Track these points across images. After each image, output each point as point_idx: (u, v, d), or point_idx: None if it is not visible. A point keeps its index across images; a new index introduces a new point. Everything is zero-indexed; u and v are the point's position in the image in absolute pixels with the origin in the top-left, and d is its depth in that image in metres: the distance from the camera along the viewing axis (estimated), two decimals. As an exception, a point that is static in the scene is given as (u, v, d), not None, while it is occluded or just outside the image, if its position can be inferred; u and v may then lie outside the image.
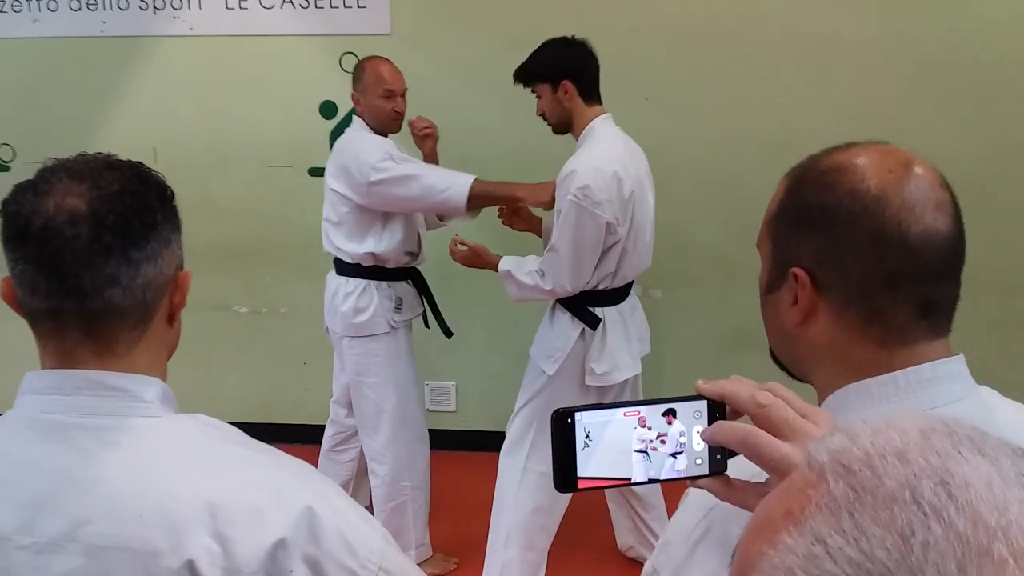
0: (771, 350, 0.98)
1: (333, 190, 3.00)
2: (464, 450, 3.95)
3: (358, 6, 3.76)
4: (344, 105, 3.85)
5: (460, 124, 3.58)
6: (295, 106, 3.88)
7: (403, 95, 3.01)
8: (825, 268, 0.86)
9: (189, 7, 3.83)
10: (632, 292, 2.93)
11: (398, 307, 3.09)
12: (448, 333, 3.27)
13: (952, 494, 0.38)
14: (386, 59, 3.04)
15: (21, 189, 0.97)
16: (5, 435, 0.98)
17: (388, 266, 3.06)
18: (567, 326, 2.79)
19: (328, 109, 3.88)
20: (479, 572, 2.99)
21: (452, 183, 2.87)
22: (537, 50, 2.77)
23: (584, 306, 2.77)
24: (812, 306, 0.88)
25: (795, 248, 0.89)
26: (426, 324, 3.28)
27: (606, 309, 2.79)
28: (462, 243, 2.90)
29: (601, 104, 2.77)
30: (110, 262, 0.95)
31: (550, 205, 2.82)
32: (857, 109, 3.52)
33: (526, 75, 2.77)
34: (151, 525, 0.91)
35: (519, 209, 3.00)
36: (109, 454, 0.95)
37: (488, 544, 2.96)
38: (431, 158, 3.15)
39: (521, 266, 2.74)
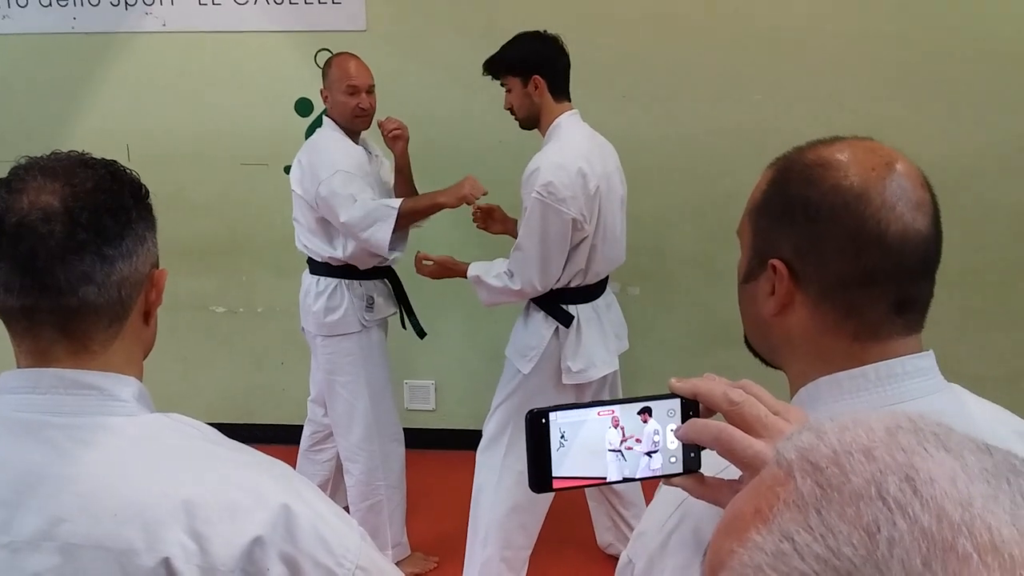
0: (745, 338, 0.99)
1: (295, 191, 3.01)
2: (444, 449, 3.95)
3: (333, 2, 3.74)
4: (319, 102, 3.82)
5: (437, 119, 3.58)
6: (270, 103, 3.86)
7: (369, 91, 2.99)
8: (804, 261, 0.88)
9: (161, 3, 3.79)
10: (608, 289, 2.93)
11: (370, 306, 3.08)
12: (421, 334, 3.26)
13: (917, 490, 0.38)
14: (354, 55, 3.02)
15: None
16: None
17: (360, 267, 3.06)
18: (540, 324, 2.79)
19: (303, 106, 3.86)
20: (459, 571, 2.99)
21: (379, 211, 2.87)
22: (509, 43, 2.76)
23: (557, 304, 2.77)
24: (789, 297, 0.89)
25: (775, 239, 0.90)
26: (403, 324, 3.28)
27: (580, 306, 2.79)
28: (427, 258, 2.89)
29: (569, 101, 2.76)
30: (84, 259, 0.95)
31: (470, 199, 2.86)
32: (835, 107, 3.55)
33: (496, 67, 2.75)
34: (126, 523, 0.91)
35: (492, 211, 3.00)
36: (84, 453, 0.94)
37: (467, 543, 2.96)
38: (402, 159, 3.13)
39: (489, 270, 2.74)
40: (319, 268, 3.07)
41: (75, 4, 3.81)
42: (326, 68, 3.04)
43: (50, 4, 3.82)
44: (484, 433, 2.97)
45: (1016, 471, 0.40)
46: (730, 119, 3.66)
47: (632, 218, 2.94)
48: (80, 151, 1.02)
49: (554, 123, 2.71)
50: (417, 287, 3.30)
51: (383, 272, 3.15)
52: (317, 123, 3.85)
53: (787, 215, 0.88)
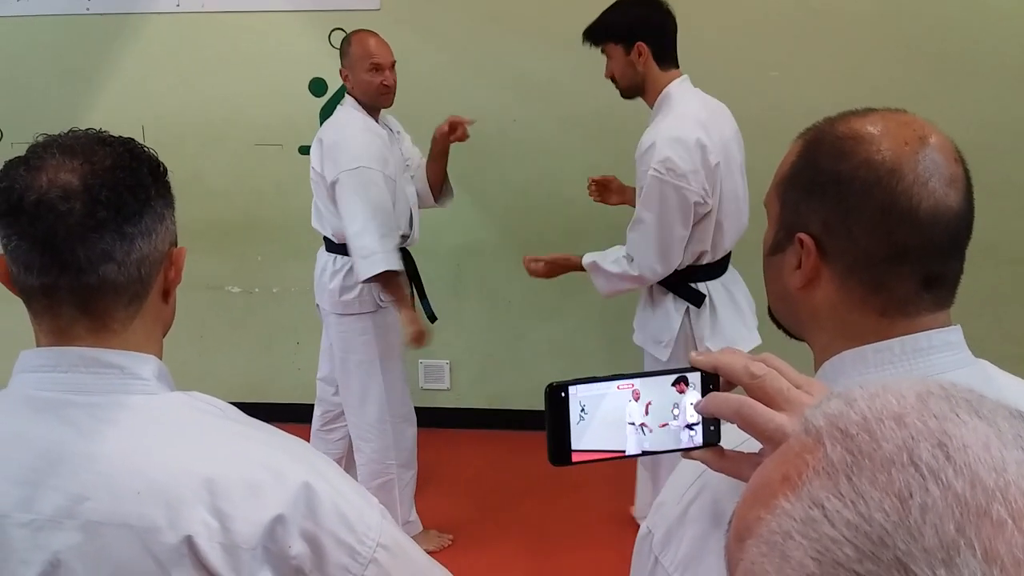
0: (769, 309, 0.98)
1: (314, 169, 2.99)
2: (458, 427, 3.96)
3: (346, -18, 3.73)
4: (334, 82, 3.82)
5: (449, 100, 3.55)
6: (284, 83, 3.85)
7: (391, 68, 2.97)
8: (832, 236, 0.86)
9: (175, -17, 3.79)
10: (730, 264, 2.76)
11: None
12: (432, 317, 3.23)
13: (950, 456, 0.38)
14: (373, 32, 2.99)
15: (13, 165, 0.96)
16: (1, 413, 0.97)
17: None
18: (670, 307, 2.63)
19: (318, 86, 3.85)
20: (474, 549, 3.01)
21: (372, 254, 2.84)
22: (610, 8, 2.58)
23: (685, 283, 2.60)
24: (816, 272, 0.88)
25: (804, 213, 0.88)
26: (422, 305, 3.27)
27: (709, 283, 2.62)
28: (537, 259, 2.77)
29: (677, 67, 2.59)
30: (104, 237, 0.94)
31: (419, 342, 2.90)
32: (850, 85, 3.51)
33: (597, 34, 2.57)
34: (149, 501, 0.91)
35: (609, 182, 2.91)
36: (106, 431, 0.94)
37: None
38: (445, 152, 3.10)
39: (606, 256, 2.60)
40: (336, 247, 3.06)
41: (89, -15, 3.81)
42: (345, 47, 2.99)
43: (64, -15, 3.82)
44: None
45: None
46: (745, 97, 3.61)
47: (746, 183, 2.84)
48: (98, 129, 1.02)
49: (663, 93, 2.53)
50: (432, 267, 3.30)
51: (403, 252, 3.14)
52: (332, 103, 3.84)
53: (816, 189, 0.87)
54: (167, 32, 3.84)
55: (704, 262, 2.61)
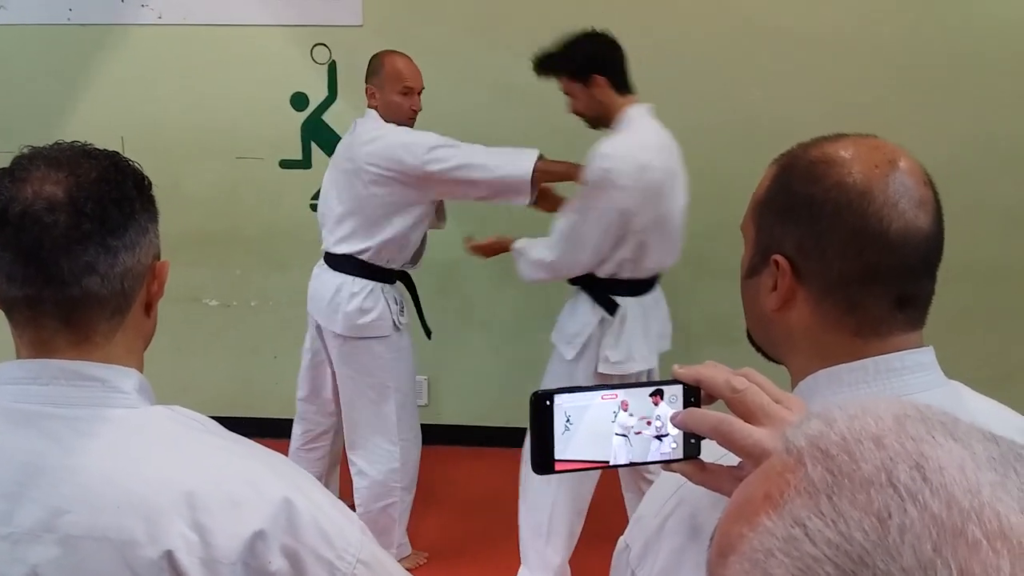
0: (748, 332, 1.00)
1: (370, 170, 2.87)
2: (437, 444, 3.95)
3: (330, -3, 3.74)
4: (316, 97, 3.83)
5: (435, 115, 3.57)
6: (266, 97, 3.85)
7: (420, 93, 2.98)
8: (806, 257, 0.88)
9: (158, -5, 3.78)
10: (658, 287, 2.90)
11: (402, 309, 3.06)
12: (428, 334, 3.24)
13: (927, 477, 0.39)
14: (405, 55, 2.98)
15: None
16: None
17: (393, 266, 3.02)
18: (587, 311, 2.77)
19: (299, 101, 3.85)
20: (452, 565, 2.99)
21: (513, 163, 2.83)
22: (562, 47, 2.73)
23: (605, 292, 2.76)
24: (791, 293, 0.90)
25: (778, 235, 0.90)
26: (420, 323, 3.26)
27: (627, 299, 2.77)
28: (476, 242, 2.94)
29: (633, 93, 2.74)
30: (88, 250, 0.94)
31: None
32: (832, 105, 3.56)
33: (553, 71, 2.73)
34: (129, 515, 0.90)
35: (545, 191, 2.99)
36: (86, 444, 0.94)
37: (523, 542, 2.93)
38: None
39: (534, 244, 2.76)
40: (349, 268, 2.98)
41: (71, -5, 3.80)
42: (375, 65, 2.97)
43: (46, -5, 3.81)
44: None
45: (1022, 459, 0.41)
46: (727, 116, 3.67)
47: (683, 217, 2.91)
48: (83, 142, 1.02)
49: (624, 115, 2.69)
50: (414, 283, 3.30)
51: (402, 274, 3.13)
52: (314, 117, 3.84)
53: (790, 211, 0.89)
54: (149, 44, 3.84)
55: (625, 276, 2.75)
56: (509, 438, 4.05)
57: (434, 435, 4.00)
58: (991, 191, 3.62)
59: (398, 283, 3.12)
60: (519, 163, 2.82)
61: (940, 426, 0.42)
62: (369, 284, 2.97)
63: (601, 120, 2.74)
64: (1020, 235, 3.68)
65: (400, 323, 3.03)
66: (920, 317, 0.90)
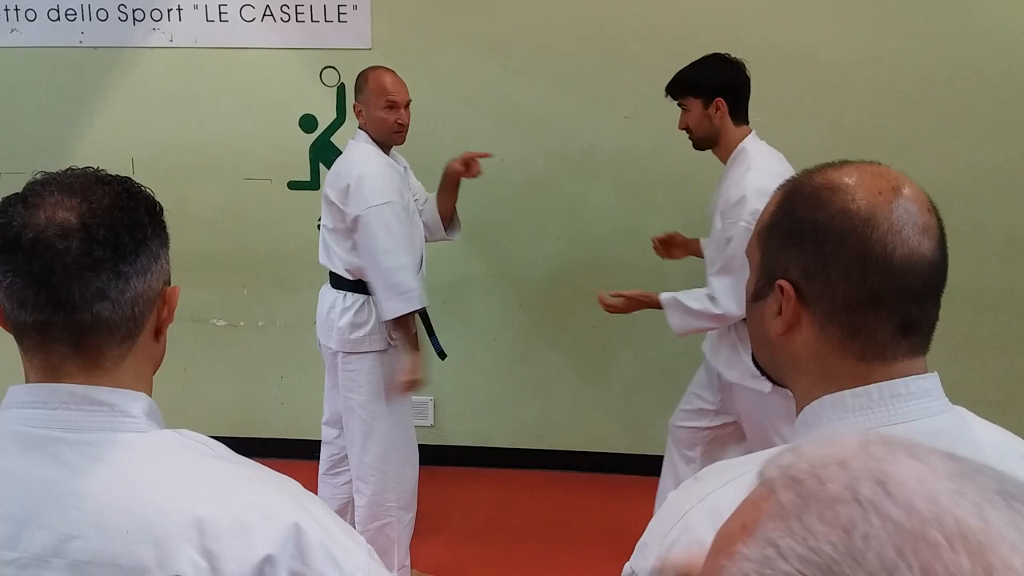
0: (753, 356, 1.01)
1: (333, 204, 2.94)
2: (443, 465, 3.95)
3: (339, 20, 3.77)
4: (324, 119, 3.86)
5: (443, 137, 3.59)
6: (275, 120, 3.88)
7: (406, 107, 2.97)
8: (811, 282, 0.89)
9: (169, 19, 3.82)
10: None
11: None
12: (442, 355, 3.17)
13: (888, 491, 0.41)
14: (390, 70, 2.99)
15: (10, 202, 0.97)
16: None
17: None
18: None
19: (308, 123, 3.88)
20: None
21: (408, 291, 2.87)
22: (695, 64, 2.78)
23: None
24: (796, 317, 0.90)
25: (783, 260, 0.91)
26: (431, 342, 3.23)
27: None
28: (617, 295, 2.90)
29: (748, 124, 2.79)
30: (100, 276, 0.95)
31: (410, 389, 2.95)
32: (833, 131, 3.57)
33: (680, 87, 2.77)
34: (137, 541, 0.91)
35: (672, 238, 3.05)
36: (95, 469, 0.94)
37: None
38: (456, 186, 3.13)
39: (687, 295, 2.74)
40: (346, 283, 3.01)
41: (83, 18, 3.84)
42: (361, 82, 2.98)
43: (58, 18, 3.84)
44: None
45: (980, 472, 0.43)
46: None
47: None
48: (96, 168, 1.03)
49: (739, 147, 2.73)
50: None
51: None
52: (322, 140, 3.87)
53: (795, 237, 0.90)
54: (160, 66, 3.87)
55: None
56: (515, 459, 4.06)
57: (440, 456, 4.01)
58: (993, 216, 3.62)
59: None
60: (395, 305, 2.87)
61: (901, 448, 0.45)
62: (361, 298, 2.98)
63: (707, 141, 2.78)
64: (1023, 260, 3.68)
65: (392, 340, 3.00)
66: (924, 343, 0.91)
